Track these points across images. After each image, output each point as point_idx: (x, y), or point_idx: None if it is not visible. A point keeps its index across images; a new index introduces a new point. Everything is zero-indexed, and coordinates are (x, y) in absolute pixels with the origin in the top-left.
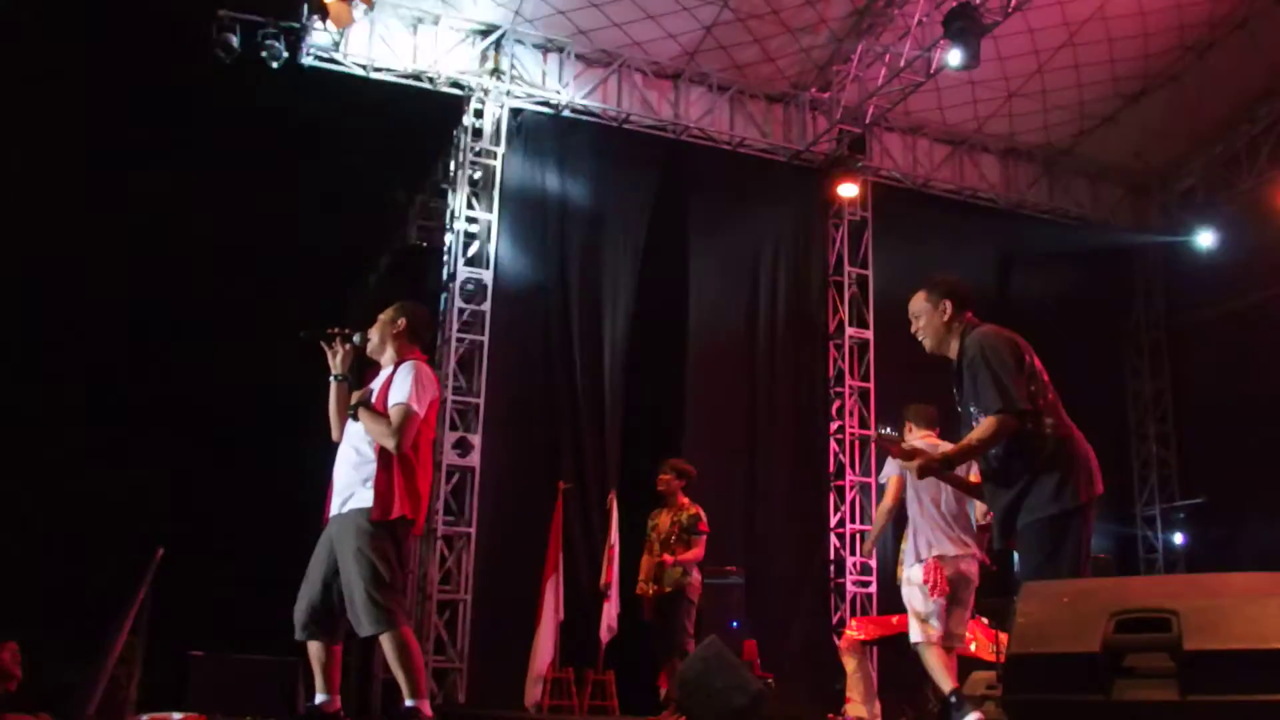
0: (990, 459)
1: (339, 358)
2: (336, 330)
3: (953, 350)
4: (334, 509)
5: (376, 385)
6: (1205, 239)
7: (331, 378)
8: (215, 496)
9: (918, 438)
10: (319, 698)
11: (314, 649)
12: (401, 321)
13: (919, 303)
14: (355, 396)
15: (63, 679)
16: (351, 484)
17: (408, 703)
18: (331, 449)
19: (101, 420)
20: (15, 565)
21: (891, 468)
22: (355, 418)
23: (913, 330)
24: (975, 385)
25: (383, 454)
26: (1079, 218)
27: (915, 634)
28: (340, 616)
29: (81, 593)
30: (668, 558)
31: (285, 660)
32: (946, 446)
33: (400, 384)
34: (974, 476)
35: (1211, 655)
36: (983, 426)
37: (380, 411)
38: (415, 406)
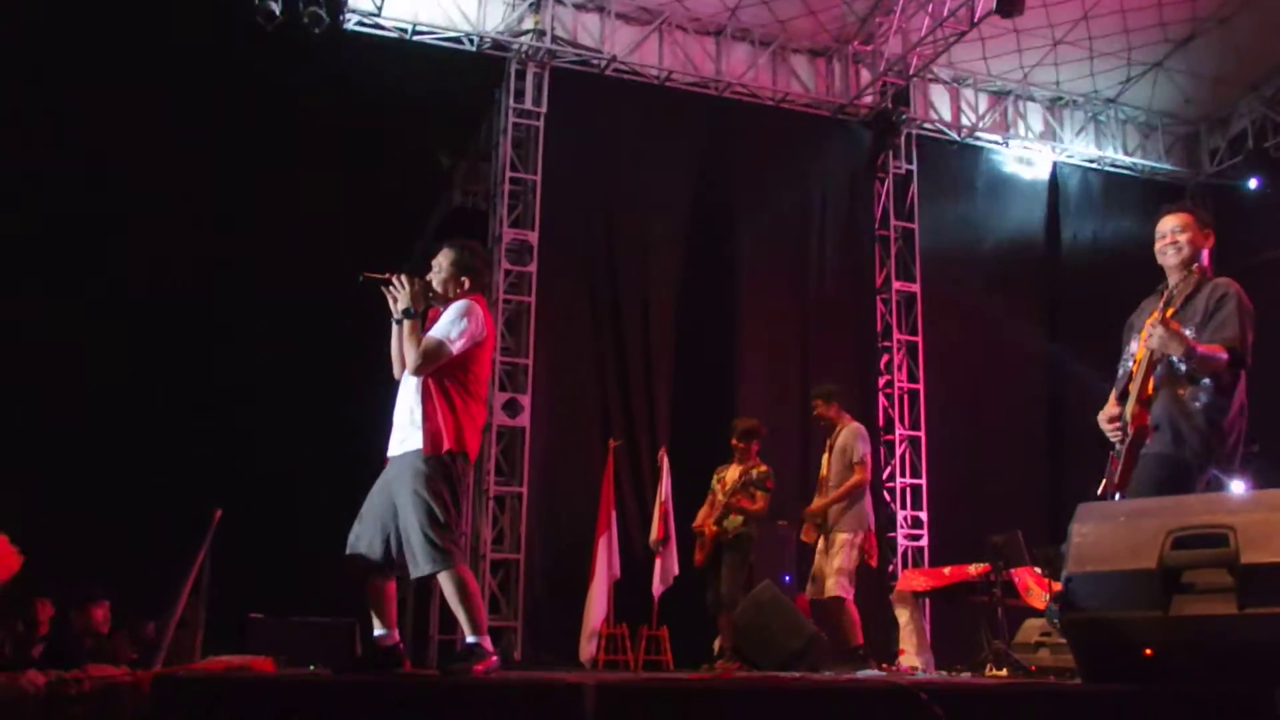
0: (1183, 374)
1: (399, 303)
2: (389, 275)
3: (1185, 279)
4: (391, 450)
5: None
6: (1256, 185)
7: (394, 321)
8: (273, 458)
9: (847, 420)
10: (378, 633)
11: (369, 586)
12: (465, 281)
13: (1185, 218)
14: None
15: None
16: (406, 425)
17: (469, 639)
18: (387, 405)
19: (160, 383)
20: (76, 527)
21: (865, 446)
22: (401, 318)
23: (1165, 241)
24: (1216, 315)
25: (426, 394)
26: (1128, 166)
27: (839, 589)
28: (395, 555)
29: (142, 554)
30: (737, 500)
31: (341, 621)
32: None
33: (444, 320)
34: None
35: (1269, 568)
36: (1215, 348)
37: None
38: (448, 344)
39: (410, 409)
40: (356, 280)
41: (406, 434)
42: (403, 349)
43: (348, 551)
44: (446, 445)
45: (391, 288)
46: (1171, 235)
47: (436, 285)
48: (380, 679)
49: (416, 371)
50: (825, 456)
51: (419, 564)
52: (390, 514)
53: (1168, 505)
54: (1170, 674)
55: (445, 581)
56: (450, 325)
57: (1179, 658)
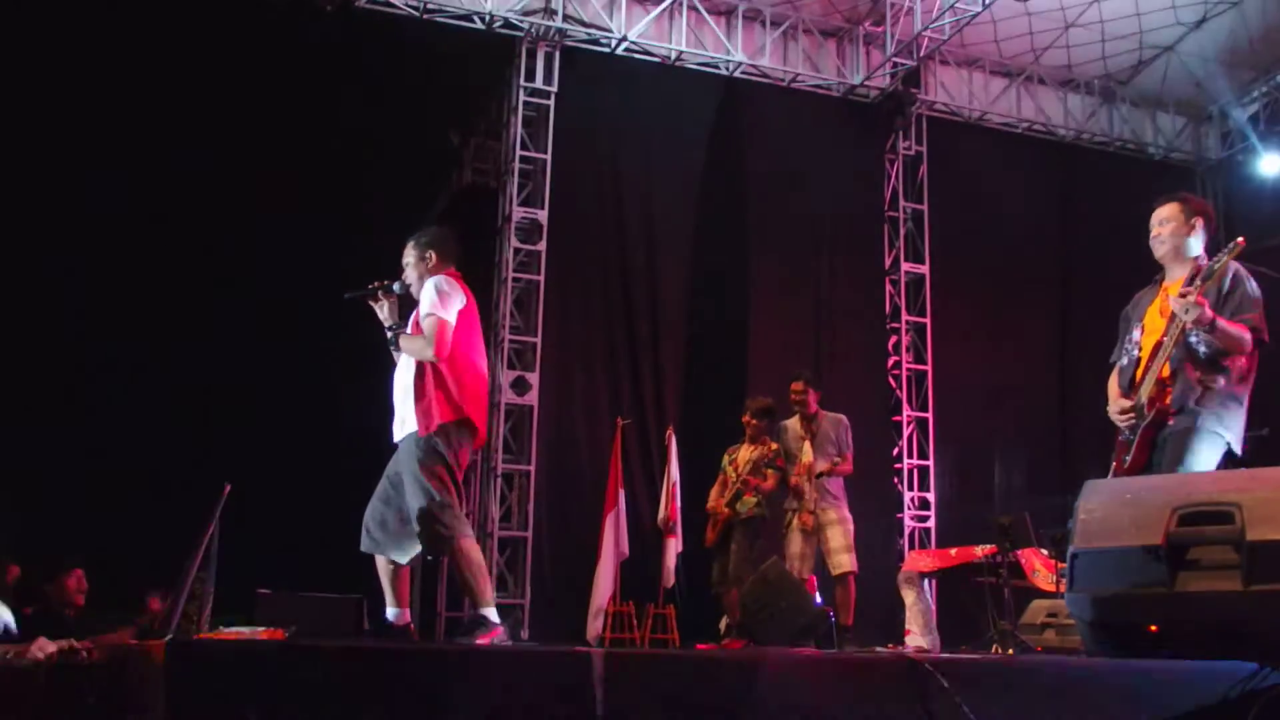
0: (1202, 357)
1: (387, 309)
2: (378, 284)
3: (1178, 267)
4: (395, 434)
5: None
6: (1268, 167)
7: (388, 329)
8: (283, 433)
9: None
10: (389, 612)
11: (381, 564)
12: (431, 255)
13: (1170, 209)
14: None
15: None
16: (403, 410)
17: (474, 611)
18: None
19: (171, 358)
20: (86, 500)
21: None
22: (397, 347)
23: (1153, 235)
24: (1231, 298)
25: (418, 372)
26: (1139, 149)
27: (853, 564)
28: (405, 536)
29: (151, 528)
30: (751, 481)
31: (350, 597)
32: None
33: (424, 300)
34: None
35: (1274, 545)
36: (1240, 327)
37: (415, 333)
38: (442, 314)
39: (405, 390)
40: (343, 298)
41: (405, 416)
42: (405, 347)
43: (364, 527)
44: (439, 420)
45: (377, 299)
46: (1156, 228)
47: (411, 279)
48: (393, 646)
49: (437, 354)
50: (805, 444)
51: (426, 548)
52: (401, 495)
53: (1173, 482)
54: (1175, 650)
55: (451, 557)
56: (434, 300)
57: (1184, 634)
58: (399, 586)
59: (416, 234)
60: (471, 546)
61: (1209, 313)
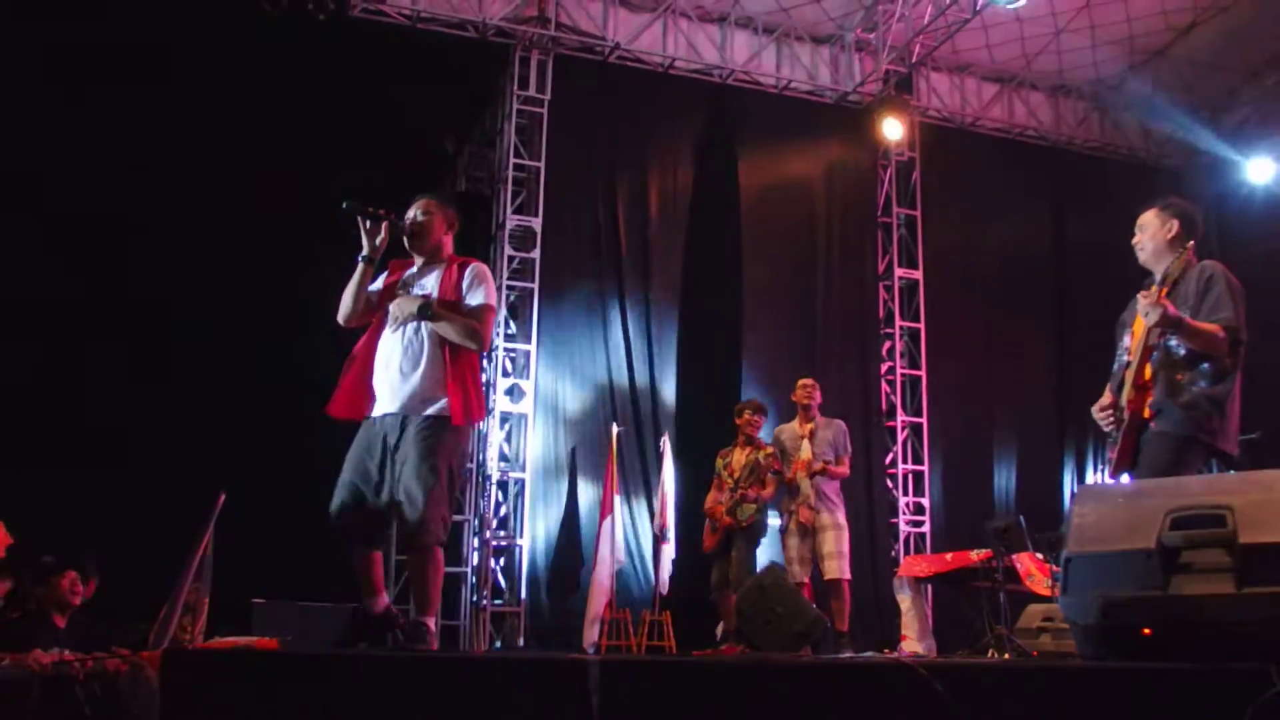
0: (1181, 358)
1: (377, 239)
2: (384, 212)
3: (1164, 270)
4: (387, 408)
5: (430, 284)
6: (1259, 173)
7: (361, 257)
8: (277, 441)
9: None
10: (369, 599)
11: (361, 555)
12: (455, 221)
13: (1149, 216)
14: (410, 300)
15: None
16: (413, 387)
17: (418, 616)
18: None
19: (165, 366)
20: (79, 511)
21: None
22: (431, 318)
23: (1134, 240)
24: (1208, 296)
25: (457, 358)
26: (1130, 154)
27: (847, 571)
28: (384, 522)
29: (145, 538)
30: (751, 490)
31: (343, 606)
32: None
33: (479, 288)
34: None
35: (1267, 548)
36: (1212, 327)
37: (454, 311)
38: (495, 307)
39: (415, 362)
40: (340, 207)
41: (415, 394)
42: (449, 324)
43: (332, 512)
44: (476, 417)
45: (377, 225)
46: (1137, 234)
47: (426, 225)
48: (389, 654)
49: (485, 346)
50: (804, 442)
51: (421, 537)
52: (390, 477)
53: (1166, 486)
54: (1169, 653)
55: (425, 555)
56: (489, 292)
57: (1177, 637)
58: (374, 572)
59: (442, 195)
60: (441, 554)
61: (1172, 313)
